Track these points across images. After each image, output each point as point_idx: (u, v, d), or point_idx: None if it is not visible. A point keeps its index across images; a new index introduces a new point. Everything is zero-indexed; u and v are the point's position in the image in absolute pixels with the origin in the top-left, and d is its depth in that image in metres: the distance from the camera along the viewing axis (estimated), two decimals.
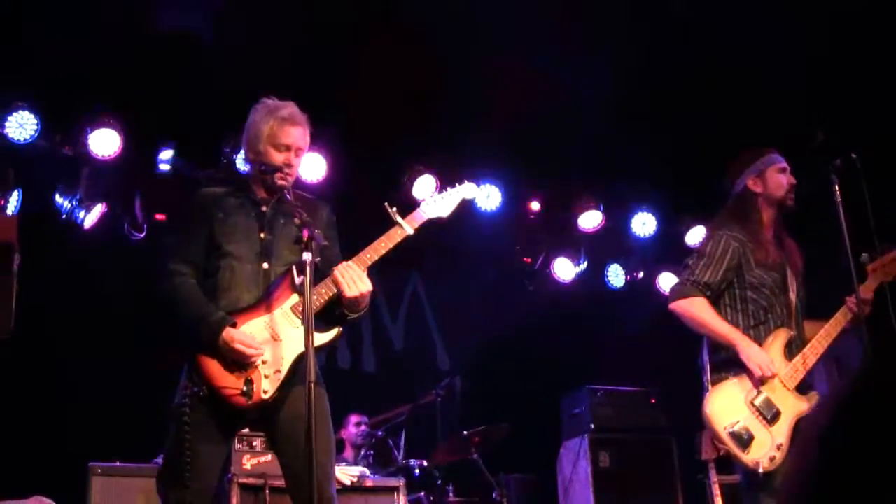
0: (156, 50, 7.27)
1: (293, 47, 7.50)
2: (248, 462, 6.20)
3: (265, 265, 4.54)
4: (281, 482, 5.75)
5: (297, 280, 4.34)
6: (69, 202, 7.74)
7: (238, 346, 4.27)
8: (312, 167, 8.35)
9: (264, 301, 4.47)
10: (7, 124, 7.24)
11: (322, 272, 4.47)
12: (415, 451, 8.21)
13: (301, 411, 4.20)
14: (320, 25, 7.32)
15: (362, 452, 8.28)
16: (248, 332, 4.35)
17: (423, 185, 8.80)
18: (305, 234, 4.16)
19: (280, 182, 4.65)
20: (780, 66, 7.82)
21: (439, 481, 7.95)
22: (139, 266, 6.13)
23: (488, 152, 9.01)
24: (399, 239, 4.74)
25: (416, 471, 7.84)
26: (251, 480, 6.14)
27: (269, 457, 6.22)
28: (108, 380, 7.59)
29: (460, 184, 5.14)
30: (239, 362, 4.31)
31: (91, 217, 7.76)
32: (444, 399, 8.47)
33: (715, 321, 5.04)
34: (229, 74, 7.39)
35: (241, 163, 4.89)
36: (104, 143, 7.59)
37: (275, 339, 4.42)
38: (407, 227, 4.75)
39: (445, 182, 8.76)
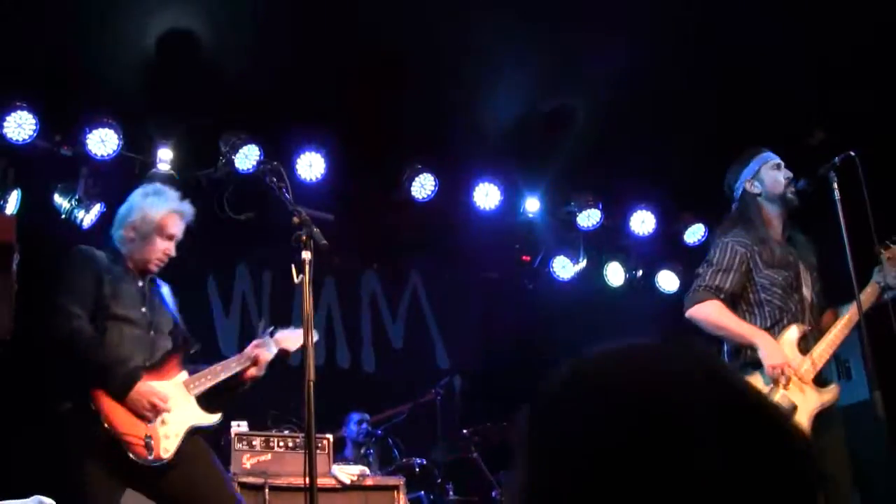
0: (154, 50, 7.26)
1: (292, 47, 7.49)
2: (247, 461, 6.19)
3: (152, 333, 4.73)
4: (281, 481, 5.77)
5: (297, 279, 4.35)
6: (68, 202, 7.73)
7: (154, 401, 4.37)
8: (312, 167, 8.35)
9: (155, 370, 4.63)
10: (6, 124, 7.23)
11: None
12: (415, 450, 8.21)
13: (193, 472, 4.53)
14: (320, 25, 7.31)
15: (362, 451, 8.29)
16: (159, 389, 4.48)
17: (423, 185, 8.80)
18: (304, 233, 4.16)
19: (154, 268, 4.88)
20: (780, 65, 7.81)
21: (439, 480, 7.95)
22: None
23: (487, 151, 9.01)
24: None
25: (416, 469, 7.84)
26: (251, 479, 6.13)
27: (268, 456, 6.22)
28: None
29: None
30: (143, 416, 4.38)
31: (90, 217, 7.75)
32: (444, 398, 8.47)
33: (732, 322, 5.05)
34: (228, 74, 7.39)
35: (116, 239, 4.92)
36: (102, 142, 7.59)
37: (172, 404, 4.57)
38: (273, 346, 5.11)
39: (444, 181, 8.82)
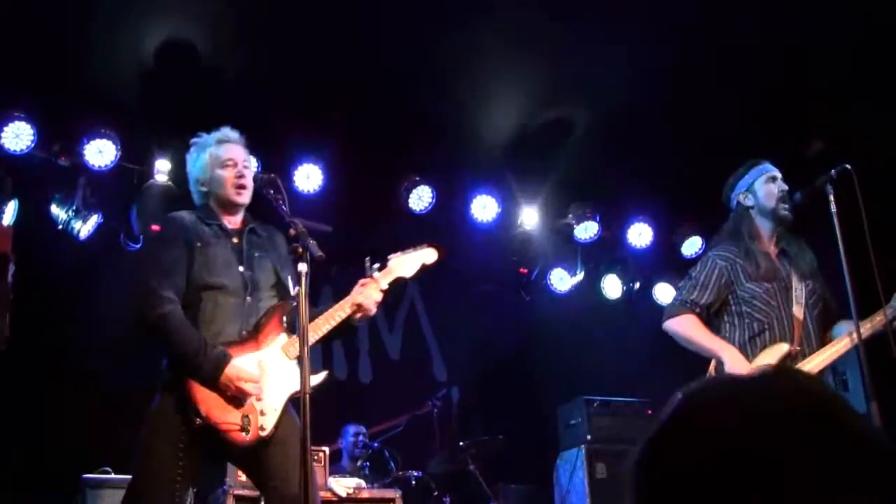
0: (152, 60, 7.27)
1: (291, 60, 7.50)
2: (243, 474, 6.18)
3: (249, 299, 4.55)
4: None
5: (293, 291, 4.34)
6: (65, 213, 7.73)
7: (242, 385, 4.27)
8: (309, 178, 8.36)
9: (253, 337, 4.49)
10: (3, 135, 7.24)
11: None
12: (411, 462, 8.20)
13: (287, 436, 4.35)
14: (319, 38, 7.32)
15: (359, 463, 8.27)
16: (247, 369, 4.36)
17: (420, 197, 8.81)
18: (299, 245, 4.14)
19: (239, 199, 4.72)
20: (777, 78, 7.83)
21: (436, 492, 7.94)
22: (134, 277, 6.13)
23: (485, 163, 9.02)
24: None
25: (413, 482, 7.83)
26: (247, 492, 6.12)
27: None
28: (102, 390, 7.57)
29: (420, 248, 5.31)
30: (237, 398, 4.30)
31: (87, 228, 7.75)
32: (441, 410, 8.47)
33: (702, 336, 5.07)
34: (226, 85, 7.40)
35: (198, 199, 4.86)
36: (100, 153, 7.59)
37: (270, 376, 4.45)
38: (381, 280, 4.95)
39: (442, 193, 8.82)
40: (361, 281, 4.83)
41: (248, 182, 4.73)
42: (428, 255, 5.30)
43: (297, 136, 8.31)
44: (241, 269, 4.59)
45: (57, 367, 7.78)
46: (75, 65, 7.12)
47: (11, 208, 7.30)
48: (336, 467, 8.10)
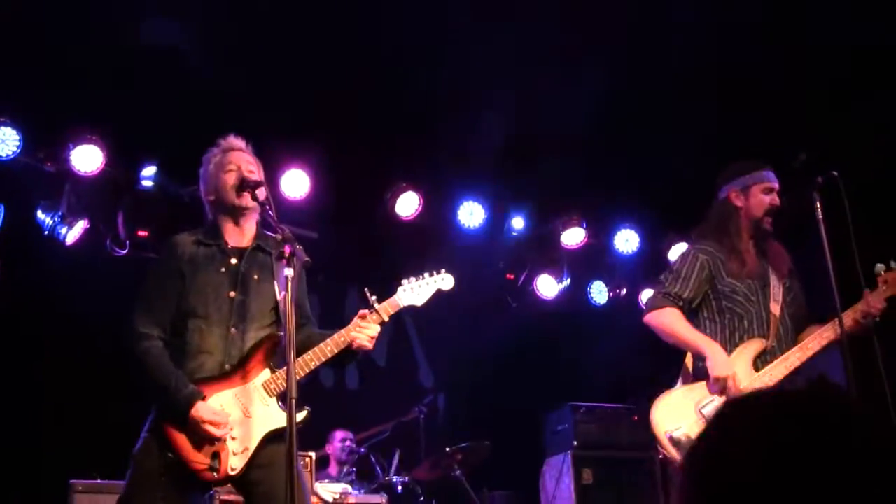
0: (138, 65, 7.26)
1: (278, 65, 7.50)
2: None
3: (233, 330, 4.46)
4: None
5: (279, 296, 4.32)
6: (51, 218, 7.70)
7: (207, 427, 4.23)
8: (296, 184, 8.35)
9: (235, 372, 4.41)
10: None
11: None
12: (398, 468, 8.20)
13: (271, 460, 4.31)
14: (307, 44, 7.33)
15: (345, 469, 8.27)
16: (219, 406, 4.31)
17: (407, 203, 8.81)
18: (287, 249, 4.13)
19: (239, 202, 4.59)
20: (766, 85, 7.86)
21: (422, 498, 7.94)
22: (121, 283, 6.12)
23: (471, 170, 9.03)
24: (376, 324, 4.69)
25: (399, 488, 7.83)
26: (233, 497, 6.10)
27: None
28: (87, 396, 7.55)
29: (440, 273, 5.20)
30: (207, 437, 4.29)
31: (73, 233, 7.73)
32: (427, 416, 8.48)
33: (684, 330, 5.06)
34: (213, 90, 7.38)
35: (210, 212, 4.79)
36: (86, 159, 7.58)
37: (245, 414, 4.38)
38: (382, 314, 4.69)
39: (429, 199, 8.82)
40: (361, 312, 4.64)
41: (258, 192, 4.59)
42: (445, 282, 5.19)
43: (284, 142, 8.30)
44: (231, 294, 4.50)
45: (43, 371, 7.76)
46: (61, 70, 7.10)
47: None
48: (323, 473, 8.10)
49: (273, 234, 4.57)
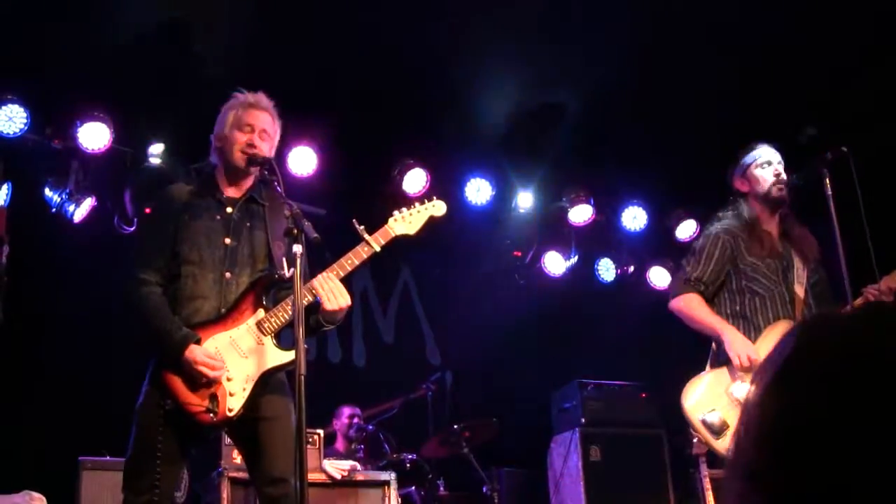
0: (146, 43, 7.24)
1: (285, 41, 7.48)
2: (237, 456, 6.18)
3: (227, 275, 4.51)
4: None
5: (288, 273, 4.32)
6: (59, 196, 7.71)
7: (201, 368, 4.26)
8: (303, 161, 8.34)
9: (229, 315, 4.45)
10: None
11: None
12: (406, 445, 8.21)
13: (277, 415, 4.37)
14: (314, 21, 7.30)
15: (353, 446, 8.28)
16: (213, 349, 4.35)
17: (414, 180, 8.79)
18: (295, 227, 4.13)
19: (243, 163, 4.63)
20: (775, 61, 7.82)
21: (430, 475, 7.95)
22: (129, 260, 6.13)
23: (479, 146, 9.01)
24: (366, 256, 4.70)
25: (407, 465, 7.84)
26: (241, 475, 6.12)
27: None
28: (96, 374, 7.56)
29: (431, 200, 5.08)
30: (202, 380, 4.30)
31: (81, 211, 7.73)
32: (435, 393, 8.48)
33: (704, 315, 5.08)
34: (220, 68, 7.37)
35: (214, 159, 4.82)
36: (94, 136, 7.58)
37: (241, 356, 4.41)
38: (374, 244, 4.71)
39: (436, 176, 8.81)
40: (324, 274, 4.58)
41: (261, 150, 4.66)
42: (437, 209, 5.06)
43: (291, 119, 8.25)
44: (226, 241, 4.55)
45: (51, 348, 7.78)
46: (69, 47, 7.08)
47: (4, 191, 7.28)
48: (330, 449, 8.11)
49: (267, 186, 4.66)
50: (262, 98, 4.84)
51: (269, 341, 4.45)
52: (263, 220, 4.67)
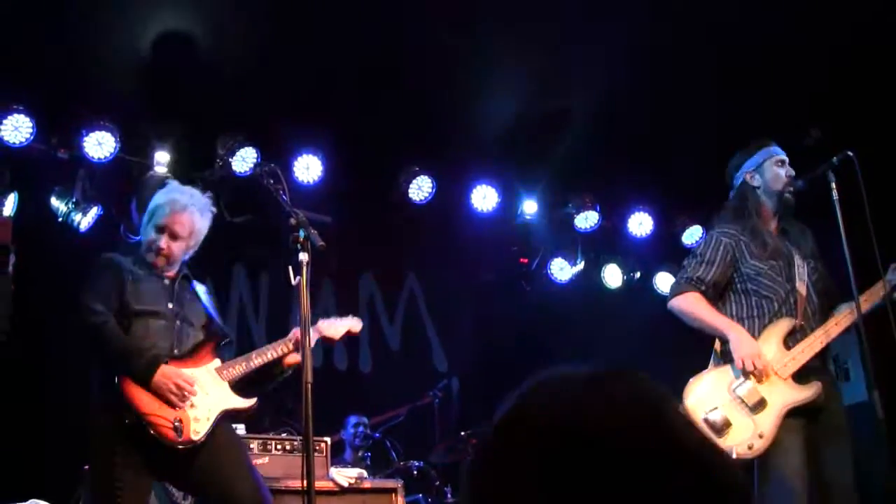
0: (151, 52, 7.25)
1: (290, 50, 7.48)
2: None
3: (178, 323, 4.68)
4: (278, 484, 5.74)
5: (294, 281, 4.33)
6: (65, 205, 7.72)
7: (181, 382, 4.32)
8: (309, 169, 8.35)
9: (189, 357, 4.59)
10: (2, 127, 7.23)
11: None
12: (413, 453, 8.20)
13: (227, 444, 4.54)
14: (318, 28, 7.30)
15: (360, 454, 8.28)
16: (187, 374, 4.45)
17: (420, 187, 8.80)
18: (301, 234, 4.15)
19: (154, 262, 4.79)
20: (779, 65, 7.81)
21: (437, 482, 7.94)
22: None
23: (484, 153, 9.01)
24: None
25: (415, 472, 7.83)
26: None
27: (266, 459, 6.19)
28: None
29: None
30: (170, 401, 4.34)
31: (87, 220, 7.74)
32: (442, 400, 8.47)
33: (708, 313, 5.05)
34: (225, 76, 7.38)
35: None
36: (100, 145, 7.59)
37: (202, 391, 4.52)
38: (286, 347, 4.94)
39: (442, 183, 8.81)
40: (296, 328, 4.81)
41: (170, 253, 4.79)
42: (354, 324, 5.47)
43: (297, 127, 8.29)
44: (170, 305, 4.71)
45: (57, 358, 7.77)
46: (74, 57, 7.10)
47: (11, 201, 7.29)
48: (338, 458, 8.11)
49: None
50: (181, 197, 4.92)
51: (226, 386, 4.64)
52: (197, 295, 4.92)
